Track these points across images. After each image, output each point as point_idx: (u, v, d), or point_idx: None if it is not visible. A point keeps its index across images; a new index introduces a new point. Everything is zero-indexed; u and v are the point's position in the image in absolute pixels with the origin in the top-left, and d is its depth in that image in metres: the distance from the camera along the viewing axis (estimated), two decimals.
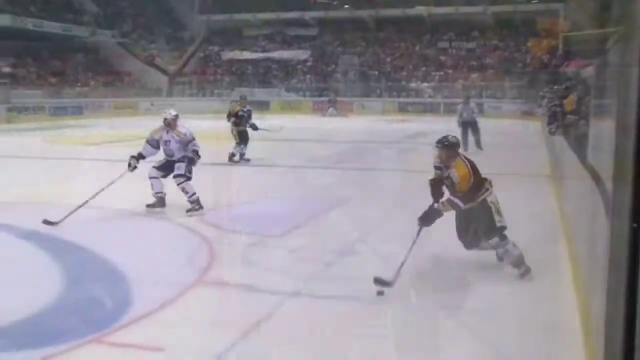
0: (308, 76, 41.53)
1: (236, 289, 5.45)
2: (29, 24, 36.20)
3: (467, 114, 15.90)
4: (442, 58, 40.52)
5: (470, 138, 15.71)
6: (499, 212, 5.52)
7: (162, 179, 8.64)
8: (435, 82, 37.94)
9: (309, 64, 42.95)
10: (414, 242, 5.44)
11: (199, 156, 8.69)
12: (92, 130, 24.30)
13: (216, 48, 45.69)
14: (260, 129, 14.26)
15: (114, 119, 29.73)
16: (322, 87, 39.11)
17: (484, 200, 5.56)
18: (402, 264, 5.22)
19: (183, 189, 8.57)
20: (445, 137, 5.77)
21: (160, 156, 8.82)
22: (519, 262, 5.54)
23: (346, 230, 7.61)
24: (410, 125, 26.74)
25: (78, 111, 32.55)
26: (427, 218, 5.59)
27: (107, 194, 8.17)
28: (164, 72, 42.72)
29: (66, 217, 7.64)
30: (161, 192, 8.62)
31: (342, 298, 5.19)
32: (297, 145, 18.28)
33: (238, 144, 13.99)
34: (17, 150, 17.21)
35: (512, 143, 18.95)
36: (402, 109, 35.51)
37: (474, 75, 37.62)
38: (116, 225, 8.12)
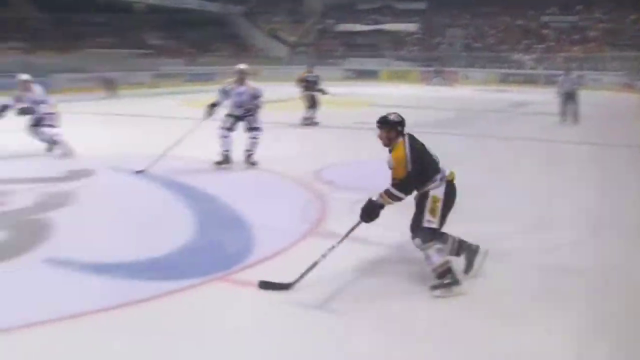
0: (416, 47, 40.78)
1: (347, 240, 5.49)
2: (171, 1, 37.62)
3: (568, 85, 15.06)
4: (545, 31, 38.54)
5: (569, 109, 14.97)
6: (433, 211, 4.31)
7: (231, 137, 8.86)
8: (537, 54, 36.26)
9: (417, 36, 42.11)
10: (344, 237, 4.48)
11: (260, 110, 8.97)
12: None
13: (331, 21, 45.57)
14: (329, 94, 14.37)
15: None
16: (428, 57, 38.26)
17: (427, 192, 4.35)
18: (315, 265, 4.34)
19: (254, 143, 8.83)
20: (386, 115, 4.59)
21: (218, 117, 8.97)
22: (441, 273, 4.26)
23: None
24: (511, 95, 25.71)
25: (210, 78, 33.47)
26: (366, 212, 4.40)
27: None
28: (284, 43, 43.12)
29: (150, 165, 8.21)
30: (229, 150, 8.79)
31: None
32: (404, 111, 17.74)
33: (309, 107, 14.12)
34: (158, 110, 18.09)
35: (610, 115, 17.92)
36: (503, 79, 34.12)
37: (576, 48, 35.62)
38: (236, 177, 8.48)
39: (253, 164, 8.82)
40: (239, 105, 8.80)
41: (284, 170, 8.51)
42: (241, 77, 8.81)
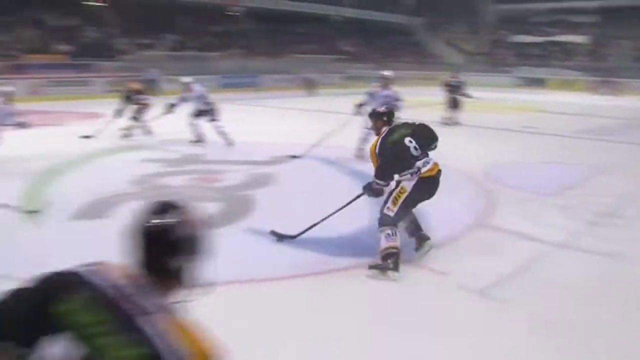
0: (584, 58, 37.37)
1: (509, 234, 5.14)
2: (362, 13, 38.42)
3: None
4: None
5: None
6: (395, 200, 4.13)
7: None
8: None
9: (586, 47, 38.61)
10: (346, 205, 4.56)
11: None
12: None
13: (505, 32, 43.35)
14: (473, 98, 13.64)
15: (419, 88, 29.93)
16: (596, 67, 34.82)
17: (399, 182, 4.19)
18: (316, 224, 4.61)
19: None
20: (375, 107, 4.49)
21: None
22: (384, 256, 4.08)
23: (611, 196, 6.72)
24: None
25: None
26: (367, 189, 4.35)
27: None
28: (461, 51, 41.94)
29: (306, 152, 8.73)
30: (364, 146, 8.52)
31: (603, 254, 4.63)
32: (569, 118, 16.35)
33: (450, 108, 13.53)
34: (347, 108, 18.34)
35: None
36: None
37: None
38: None
39: None
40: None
41: (452, 166, 8.17)
42: (385, 82, 8.87)
